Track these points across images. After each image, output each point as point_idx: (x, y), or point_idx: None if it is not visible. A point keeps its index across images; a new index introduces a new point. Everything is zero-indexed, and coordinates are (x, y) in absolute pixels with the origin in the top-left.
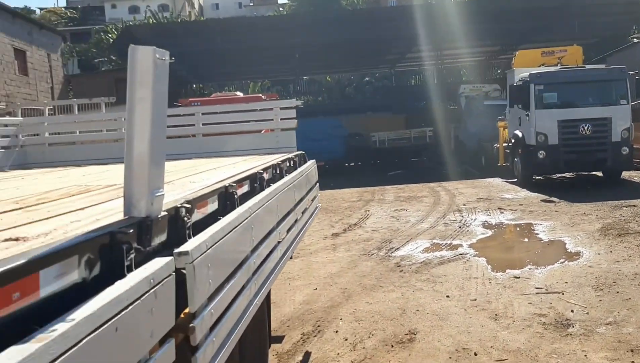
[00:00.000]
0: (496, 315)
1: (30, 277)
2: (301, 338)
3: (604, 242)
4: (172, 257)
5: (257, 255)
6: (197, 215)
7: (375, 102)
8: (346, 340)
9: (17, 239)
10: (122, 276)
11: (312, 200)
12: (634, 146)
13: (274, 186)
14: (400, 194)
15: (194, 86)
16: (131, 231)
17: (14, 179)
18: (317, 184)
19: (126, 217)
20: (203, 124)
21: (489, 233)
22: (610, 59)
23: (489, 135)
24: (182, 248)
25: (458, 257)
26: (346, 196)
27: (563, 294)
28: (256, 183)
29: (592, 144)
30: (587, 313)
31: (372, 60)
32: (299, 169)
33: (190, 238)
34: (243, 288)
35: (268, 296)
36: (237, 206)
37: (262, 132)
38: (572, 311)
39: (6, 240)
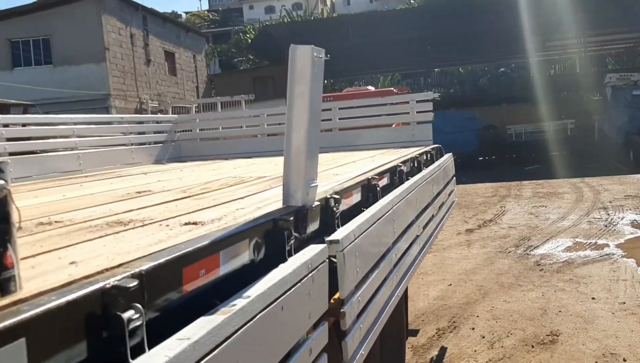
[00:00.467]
0: None
1: (213, 257)
2: (436, 333)
3: None
4: (325, 245)
5: (398, 248)
6: (343, 206)
7: (511, 94)
8: (483, 337)
9: (195, 223)
10: (283, 260)
11: (449, 194)
12: None
13: (413, 179)
14: (538, 190)
15: (325, 81)
16: (291, 218)
17: (174, 171)
18: (454, 178)
19: (285, 206)
20: (339, 119)
21: (639, 233)
22: None
23: (638, 127)
24: (333, 237)
25: (604, 257)
26: (480, 191)
27: None
28: (396, 175)
29: None
30: None
31: (507, 49)
32: (437, 163)
33: (338, 227)
34: (385, 279)
35: (405, 289)
36: (379, 198)
37: (393, 126)
38: None
39: (187, 224)
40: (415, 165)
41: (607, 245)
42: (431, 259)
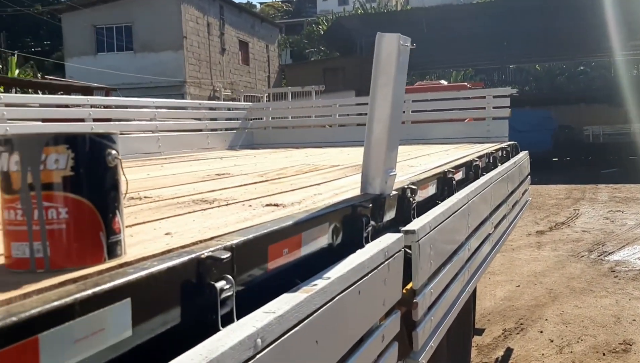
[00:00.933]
0: None
1: (296, 237)
2: (502, 333)
3: None
4: (401, 234)
5: (470, 244)
6: (418, 197)
7: (590, 93)
8: (552, 341)
9: (276, 205)
10: (361, 246)
11: (523, 193)
12: None
13: (488, 175)
14: (615, 195)
15: None
16: (369, 205)
17: (248, 157)
18: (529, 177)
19: (363, 193)
20: (412, 111)
21: None
22: None
23: None
24: (409, 227)
25: None
26: (552, 193)
27: None
28: (471, 170)
29: None
30: None
31: (588, 47)
32: (513, 160)
33: (414, 218)
34: (457, 274)
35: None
36: (455, 192)
37: (466, 121)
38: None
39: (268, 205)
40: (491, 161)
41: None
42: (499, 259)
